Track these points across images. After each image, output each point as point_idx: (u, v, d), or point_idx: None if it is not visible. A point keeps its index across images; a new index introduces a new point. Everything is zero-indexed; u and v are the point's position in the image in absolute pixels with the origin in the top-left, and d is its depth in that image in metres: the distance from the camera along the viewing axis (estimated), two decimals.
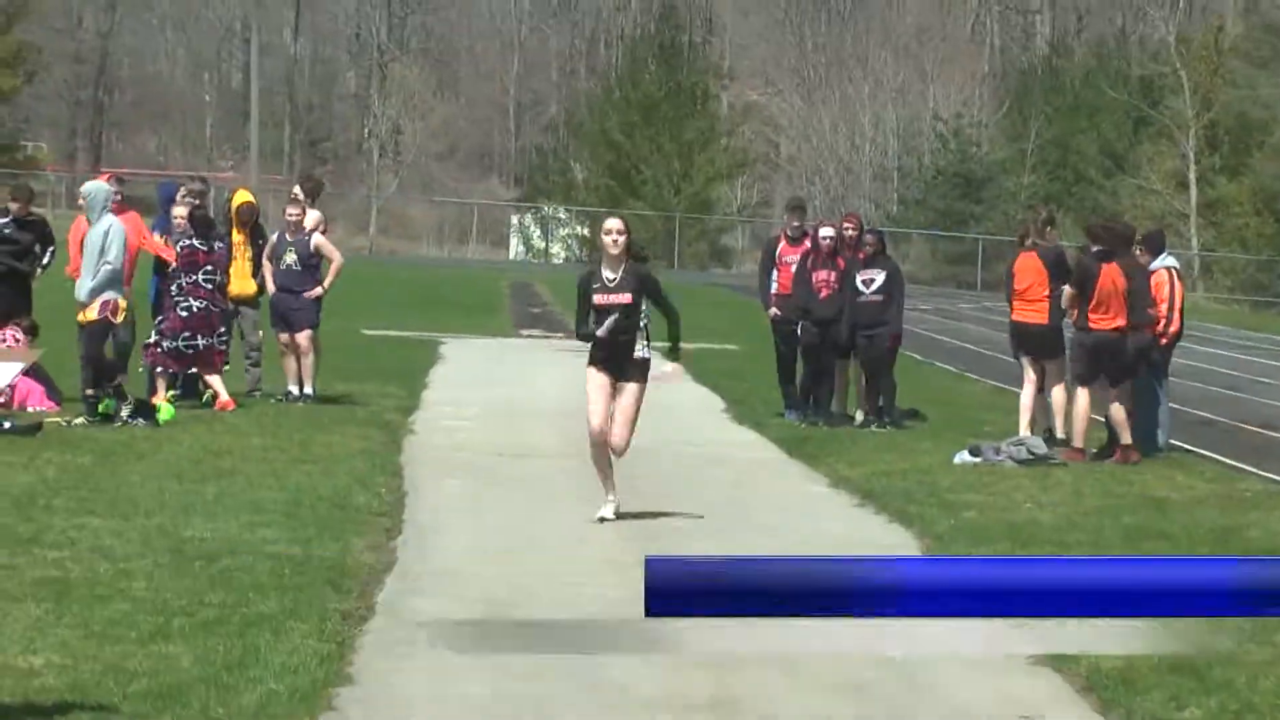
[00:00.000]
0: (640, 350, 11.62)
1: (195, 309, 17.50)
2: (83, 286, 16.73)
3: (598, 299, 11.45)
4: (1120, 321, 16.25)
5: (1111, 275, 16.26)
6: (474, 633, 10.11)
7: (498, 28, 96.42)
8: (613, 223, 11.81)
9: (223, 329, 17.92)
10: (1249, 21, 75.73)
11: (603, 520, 11.67)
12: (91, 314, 16.80)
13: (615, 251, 11.41)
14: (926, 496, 14.63)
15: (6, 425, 15.51)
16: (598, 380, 11.44)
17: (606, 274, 11.49)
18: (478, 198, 79.65)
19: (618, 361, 11.44)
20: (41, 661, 8.16)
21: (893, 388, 19.34)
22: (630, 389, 11.49)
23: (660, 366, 11.92)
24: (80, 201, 17.36)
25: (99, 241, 16.82)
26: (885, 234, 22.78)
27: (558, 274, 59.47)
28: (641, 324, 11.71)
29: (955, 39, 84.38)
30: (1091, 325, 16.36)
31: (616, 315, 11.38)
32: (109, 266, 16.80)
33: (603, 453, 11.58)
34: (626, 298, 11.32)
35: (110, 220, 17.06)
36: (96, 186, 17.84)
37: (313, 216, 19.57)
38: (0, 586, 9.87)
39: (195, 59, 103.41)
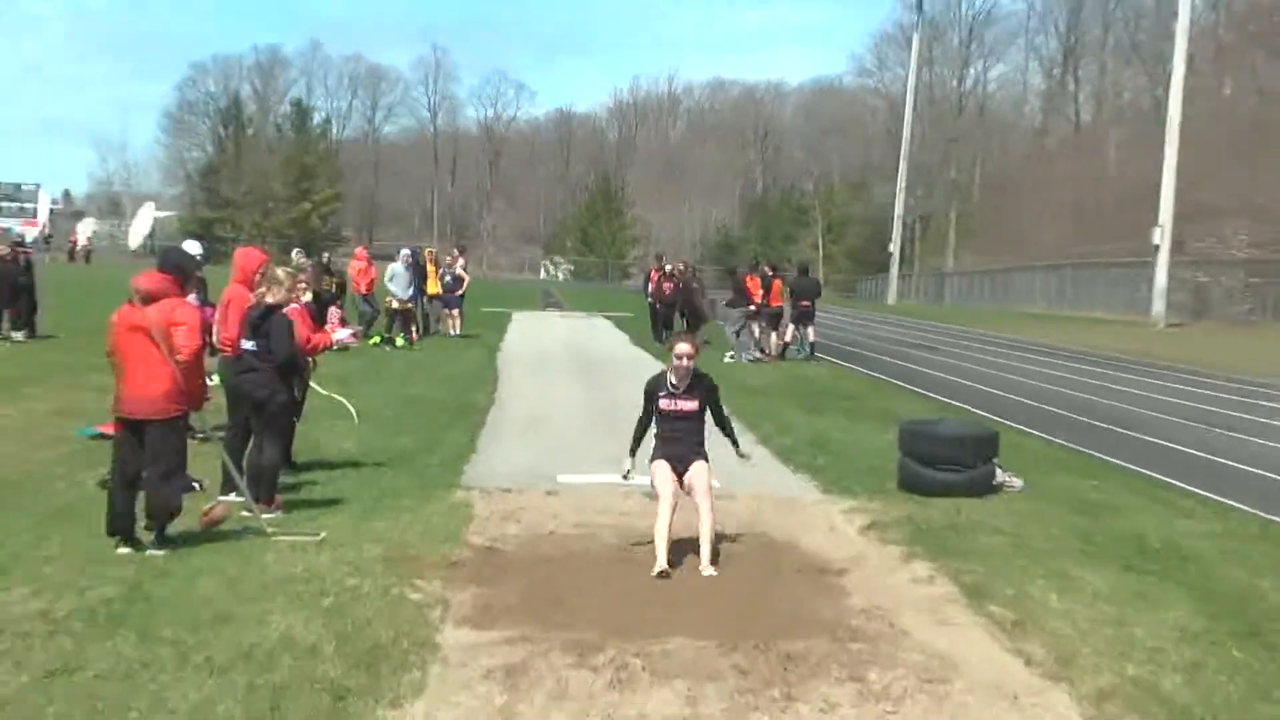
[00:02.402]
0: (704, 442, 10.03)
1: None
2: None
3: (664, 404, 9.82)
4: (776, 303, 28.49)
5: (777, 284, 28.42)
6: None
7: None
8: (683, 348, 9.76)
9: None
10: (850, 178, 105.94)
11: (661, 575, 9.24)
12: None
13: (682, 373, 9.73)
14: (711, 371, 22.07)
15: None
16: (665, 473, 9.75)
17: (673, 381, 9.82)
18: (529, 253, 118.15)
19: (682, 455, 9.79)
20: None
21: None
22: (700, 468, 9.81)
23: (741, 458, 10.37)
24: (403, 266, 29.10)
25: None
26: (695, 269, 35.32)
27: (562, 285, 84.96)
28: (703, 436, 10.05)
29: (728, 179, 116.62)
30: (771, 304, 28.37)
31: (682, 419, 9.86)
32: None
33: (666, 526, 9.50)
34: (693, 404, 9.77)
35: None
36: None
37: (460, 261, 32.53)
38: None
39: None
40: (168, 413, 9.26)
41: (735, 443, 10.27)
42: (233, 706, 6.34)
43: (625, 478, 10.11)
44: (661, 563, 9.32)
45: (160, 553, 9.17)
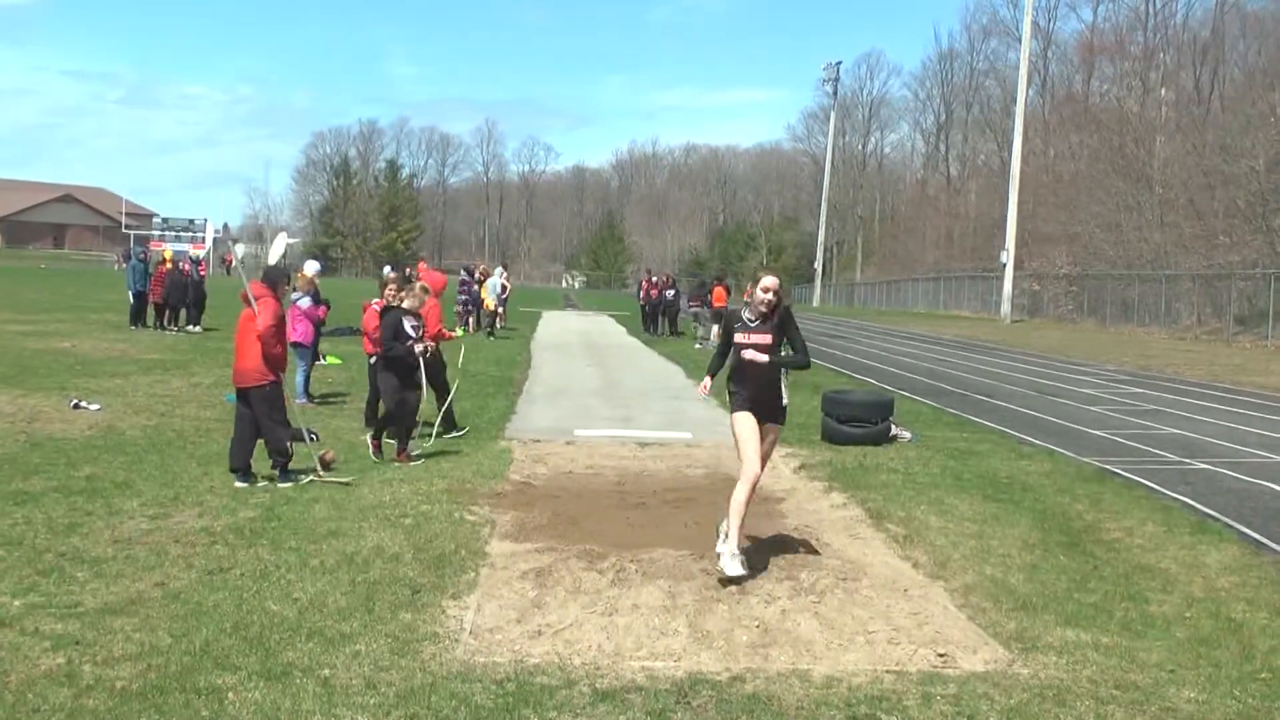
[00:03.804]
0: (784, 396, 6.99)
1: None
2: None
3: (739, 338, 6.91)
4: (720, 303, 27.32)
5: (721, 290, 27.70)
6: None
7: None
8: (770, 281, 6.87)
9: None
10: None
11: (726, 577, 6.62)
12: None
13: (765, 310, 6.89)
14: (684, 354, 23.84)
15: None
16: (749, 424, 6.86)
17: (748, 315, 6.94)
18: (554, 268, 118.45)
19: (765, 405, 6.91)
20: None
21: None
22: (774, 431, 7.04)
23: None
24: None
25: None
26: (675, 278, 35.60)
27: (578, 292, 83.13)
28: (782, 374, 6.95)
29: (697, 215, 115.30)
30: (717, 304, 27.24)
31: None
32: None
33: (750, 492, 6.81)
34: (767, 338, 6.85)
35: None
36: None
37: (504, 274, 31.48)
38: None
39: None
40: (260, 381, 9.14)
41: (790, 365, 6.99)
42: (339, 597, 6.23)
43: (706, 389, 7.18)
44: (732, 545, 6.72)
45: (285, 486, 9.02)
